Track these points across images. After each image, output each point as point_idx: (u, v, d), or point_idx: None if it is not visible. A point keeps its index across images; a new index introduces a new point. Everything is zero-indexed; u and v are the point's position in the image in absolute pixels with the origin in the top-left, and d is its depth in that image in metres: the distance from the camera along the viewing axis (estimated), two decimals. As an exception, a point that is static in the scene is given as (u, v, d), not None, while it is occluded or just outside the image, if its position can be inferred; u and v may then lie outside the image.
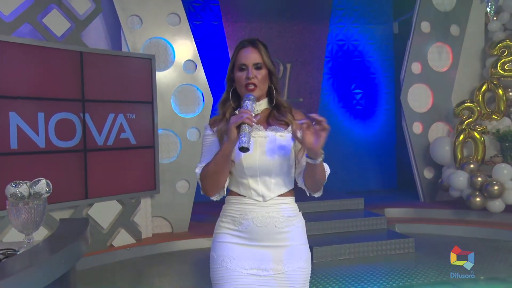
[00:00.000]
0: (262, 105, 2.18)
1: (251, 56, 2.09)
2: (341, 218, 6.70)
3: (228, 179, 2.10)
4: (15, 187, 2.52)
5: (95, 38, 6.60)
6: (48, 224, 4.99)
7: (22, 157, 5.27)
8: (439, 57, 8.28)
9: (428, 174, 8.29)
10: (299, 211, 2.18)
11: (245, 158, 2.03)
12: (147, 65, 6.49)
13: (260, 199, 2.08)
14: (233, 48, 8.75)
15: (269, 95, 2.19)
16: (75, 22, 6.15)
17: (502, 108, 7.72)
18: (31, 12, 5.76)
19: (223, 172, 2.03)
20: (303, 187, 2.21)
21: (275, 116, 2.15)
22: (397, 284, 4.97)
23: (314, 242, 5.91)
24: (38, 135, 5.40)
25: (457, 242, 6.45)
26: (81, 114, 5.78)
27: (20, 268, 2.00)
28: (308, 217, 6.00)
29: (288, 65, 9.02)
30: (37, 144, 5.39)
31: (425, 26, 8.20)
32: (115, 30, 6.77)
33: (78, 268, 2.97)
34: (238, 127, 1.88)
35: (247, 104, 1.97)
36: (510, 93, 7.84)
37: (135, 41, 6.69)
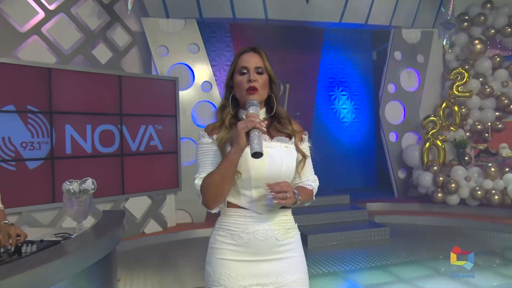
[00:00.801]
0: (261, 114, 1.76)
1: (252, 60, 1.76)
2: (331, 211, 6.73)
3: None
4: (69, 184, 2.66)
5: (131, 64, 6.71)
6: (94, 214, 5.09)
7: (74, 160, 5.40)
8: (409, 79, 8.39)
9: (401, 174, 8.34)
10: (295, 222, 1.85)
11: (254, 169, 1.65)
12: (172, 86, 6.54)
13: (263, 208, 1.71)
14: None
15: (268, 104, 1.82)
16: (116, 52, 6.33)
17: (458, 121, 7.88)
18: (84, 46, 5.99)
19: (229, 182, 1.64)
20: None
21: (276, 127, 1.80)
22: (375, 264, 5.04)
23: (308, 231, 6.00)
24: (86, 143, 5.52)
25: (423, 229, 6.62)
26: (119, 126, 5.86)
27: (75, 248, 2.13)
28: (304, 211, 6.09)
29: (287, 85, 8.89)
30: (85, 150, 5.51)
31: (398, 55, 8.32)
32: (146, 57, 6.88)
33: (120, 250, 3.01)
34: (248, 133, 1.57)
35: (253, 109, 1.62)
36: (463, 110, 8.01)
37: (163, 66, 6.78)
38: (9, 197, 2.77)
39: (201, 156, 1.74)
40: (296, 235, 1.82)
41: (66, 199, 2.64)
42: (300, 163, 1.81)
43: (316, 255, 5.41)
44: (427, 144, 7.66)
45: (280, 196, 1.58)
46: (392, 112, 8.34)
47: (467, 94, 7.96)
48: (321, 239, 5.93)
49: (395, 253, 5.44)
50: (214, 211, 1.73)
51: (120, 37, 6.41)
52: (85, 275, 2.12)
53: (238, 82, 1.76)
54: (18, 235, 2.18)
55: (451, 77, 8.04)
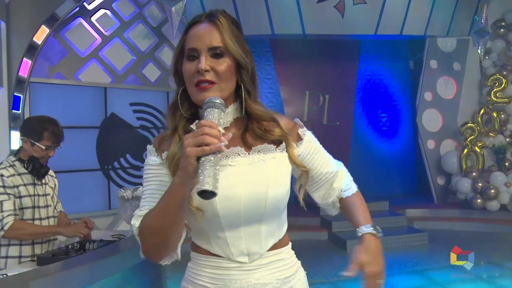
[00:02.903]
0: (228, 115, 1.18)
1: (205, 36, 1.11)
2: (371, 217, 6.69)
3: (185, 232, 1.12)
4: (123, 191, 2.98)
5: None
6: None
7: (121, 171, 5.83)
8: (445, 87, 8.28)
9: (440, 181, 8.21)
10: (298, 260, 1.26)
11: (221, 202, 1.06)
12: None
13: (246, 259, 1.14)
14: (284, 84, 8.98)
15: (240, 98, 1.18)
16: (164, 70, 6.66)
17: (497, 127, 7.72)
18: (135, 66, 6.40)
19: (177, 227, 1.05)
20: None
21: (255, 132, 1.17)
22: (413, 269, 5.04)
23: (348, 236, 6.01)
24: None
25: (463, 235, 6.49)
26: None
27: (127, 247, 2.40)
28: (344, 217, 6.24)
29: (327, 96, 9.01)
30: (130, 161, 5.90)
31: (433, 63, 8.24)
32: None
33: None
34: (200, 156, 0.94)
35: (211, 114, 1.00)
36: (502, 115, 7.84)
37: None
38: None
39: (145, 184, 1.15)
40: (298, 282, 1.23)
41: (120, 204, 2.94)
42: (301, 178, 1.24)
43: (355, 260, 5.47)
44: (465, 150, 7.55)
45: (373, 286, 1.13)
46: (430, 120, 8.24)
47: (506, 100, 7.79)
48: (360, 244, 5.95)
49: (433, 258, 5.41)
50: (165, 263, 1.14)
51: (167, 56, 6.75)
52: (137, 270, 2.40)
53: (185, 72, 1.13)
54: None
55: (489, 84, 7.90)
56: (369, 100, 9.68)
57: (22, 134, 2.54)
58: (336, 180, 1.35)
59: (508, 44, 8.03)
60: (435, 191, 8.21)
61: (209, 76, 1.09)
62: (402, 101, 9.80)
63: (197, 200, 1.02)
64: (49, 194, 2.65)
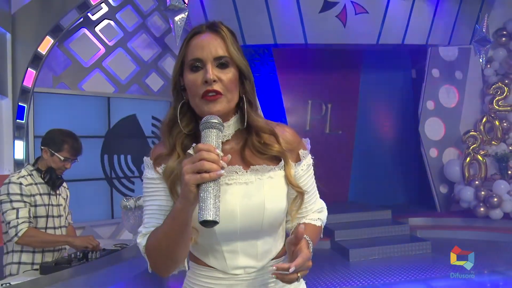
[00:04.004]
0: (230, 127, 1.15)
1: (209, 46, 1.09)
2: (373, 226, 6.71)
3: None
4: (126, 201, 3.03)
5: None
6: None
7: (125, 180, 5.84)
8: (447, 96, 8.30)
9: (443, 189, 8.20)
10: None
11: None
12: None
13: (241, 272, 1.15)
14: (286, 93, 9.02)
15: (241, 110, 1.15)
16: (167, 80, 6.66)
17: (499, 136, 7.73)
18: (138, 76, 6.45)
19: (181, 246, 1.05)
20: None
21: (254, 147, 1.15)
22: (416, 277, 5.00)
23: (350, 245, 6.03)
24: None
25: (466, 244, 6.38)
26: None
27: (131, 256, 2.44)
28: (346, 226, 6.11)
29: (329, 105, 9.04)
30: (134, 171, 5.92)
31: (435, 72, 8.27)
32: None
33: None
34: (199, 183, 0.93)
35: (209, 136, 0.97)
36: (505, 124, 7.85)
37: None
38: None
39: (147, 199, 1.15)
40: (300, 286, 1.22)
41: (123, 213, 2.97)
42: (295, 201, 1.19)
43: (357, 268, 5.46)
44: (468, 159, 7.55)
45: (288, 278, 1.02)
46: (432, 128, 8.26)
47: (508, 108, 7.84)
48: (362, 253, 5.94)
49: (436, 267, 5.38)
50: (174, 273, 1.15)
51: (170, 66, 6.75)
52: (140, 279, 2.42)
53: (189, 83, 1.10)
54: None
55: (491, 92, 7.95)
56: (372, 109, 9.70)
57: (43, 144, 2.64)
58: (311, 214, 1.28)
59: (510, 53, 8.07)
60: (438, 200, 8.20)
61: (217, 86, 1.07)
62: (405, 110, 9.80)
63: (193, 221, 1.00)
64: (61, 205, 2.74)
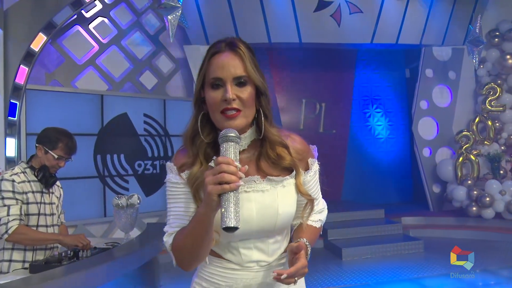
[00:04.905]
0: (247, 138, 1.26)
1: (229, 66, 1.18)
2: (366, 225, 6.72)
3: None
4: (118, 199, 3.00)
5: (175, 88, 6.99)
6: (140, 226, 5.23)
7: (118, 178, 5.79)
8: (441, 95, 8.33)
9: (436, 189, 8.23)
10: None
11: None
12: None
13: (255, 265, 1.28)
14: (280, 92, 9.00)
15: (257, 122, 1.27)
16: (161, 78, 6.70)
17: (492, 136, 7.77)
18: (132, 74, 6.41)
19: (205, 245, 1.17)
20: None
21: (269, 158, 1.26)
22: (408, 276, 5.01)
23: (344, 244, 6.04)
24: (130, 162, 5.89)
25: (458, 243, 6.36)
26: (165, 145, 6.20)
27: (122, 254, 2.41)
28: (339, 225, 6.08)
29: (323, 104, 9.03)
30: (127, 169, 5.87)
31: (429, 72, 8.30)
32: (189, 82, 7.10)
33: (162, 261, 3.21)
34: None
35: (227, 149, 1.07)
36: (497, 124, 7.91)
37: None
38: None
39: (171, 201, 1.26)
40: (300, 283, 1.32)
41: (115, 212, 2.95)
42: (306, 206, 1.34)
43: (350, 267, 5.47)
44: (461, 158, 7.56)
45: (286, 282, 1.17)
46: (425, 128, 8.29)
47: (501, 108, 7.87)
48: (355, 252, 5.95)
49: (428, 266, 5.40)
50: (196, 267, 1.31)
51: (164, 64, 6.80)
52: (131, 278, 2.40)
53: (210, 99, 1.20)
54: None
55: (484, 92, 7.97)
56: (365, 108, 9.71)
57: (37, 142, 2.63)
58: (313, 215, 1.42)
59: (503, 54, 8.09)
60: (430, 199, 8.24)
61: (235, 104, 1.17)
62: (398, 109, 9.83)
63: (215, 223, 1.12)
64: (54, 203, 2.72)
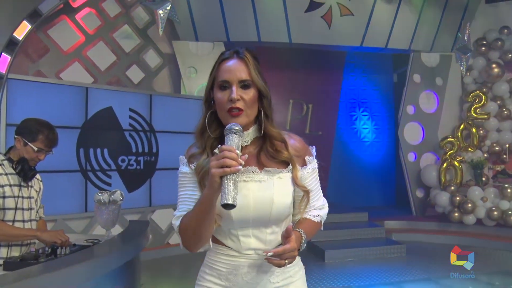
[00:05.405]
0: (249, 135, 1.42)
1: (235, 71, 1.36)
2: (349, 228, 6.73)
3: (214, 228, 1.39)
4: (100, 195, 2.90)
5: (162, 84, 6.91)
6: (122, 223, 5.18)
7: (101, 173, 5.65)
8: (428, 101, 8.39)
9: (419, 193, 8.28)
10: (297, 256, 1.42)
11: (235, 209, 1.22)
12: (199, 104, 6.61)
13: (252, 252, 1.41)
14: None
15: (259, 121, 1.43)
16: (148, 73, 6.58)
17: (476, 143, 7.88)
18: (119, 67, 6.29)
19: (208, 227, 1.32)
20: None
21: (268, 152, 1.41)
22: (390, 280, 5.04)
23: (326, 246, 6.03)
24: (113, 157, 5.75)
25: (440, 248, 6.51)
26: (151, 141, 6.08)
27: (103, 253, 2.32)
28: (323, 227, 6.19)
29: (310, 105, 9.02)
30: (110, 164, 5.73)
31: (417, 78, 8.35)
32: (176, 78, 7.06)
33: (143, 259, 3.12)
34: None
35: (231, 140, 1.24)
36: (481, 131, 8.01)
37: (191, 86, 6.94)
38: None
39: (181, 189, 1.43)
40: (297, 273, 1.51)
41: (96, 208, 2.85)
42: (303, 199, 1.45)
43: (332, 270, 5.46)
44: (445, 164, 7.63)
45: (276, 263, 1.30)
46: (411, 133, 8.33)
47: (485, 116, 7.94)
48: (338, 255, 5.95)
49: (410, 270, 5.42)
50: (201, 250, 1.43)
51: (152, 59, 6.69)
52: (111, 277, 2.30)
53: (218, 99, 1.37)
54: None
55: (469, 100, 8.04)
56: (352, 111, 9.76)
57: (17, 133, 2.50)
58: (313, 211, 1.53)
59: (489, 62, 8.18)
60: (414, 204, 8.28)
61: (239, 104, 1.34)
62: (385, 113, 9.89)
63: (217, 208, 1.27)
64: (33, 197, 2.60)
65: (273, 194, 1.38)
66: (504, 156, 7.97)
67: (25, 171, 2.48)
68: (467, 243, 6.68)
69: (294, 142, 1.48)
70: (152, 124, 6.14)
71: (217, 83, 1.39)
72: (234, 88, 1.34)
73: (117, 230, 3.27)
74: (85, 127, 5.49)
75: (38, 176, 2.67)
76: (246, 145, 1.42)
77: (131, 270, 2.65)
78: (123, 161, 5.83)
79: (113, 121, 5.77)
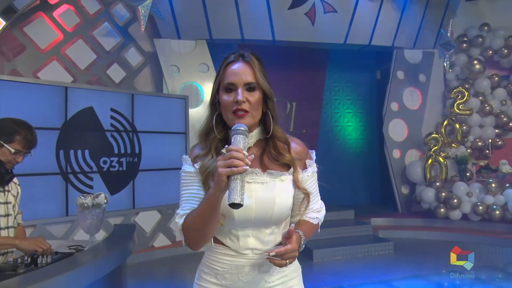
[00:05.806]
0: (254, 136, 1.44)
1: (241, 74, 1.38)
2: (336, 226, 6.69)
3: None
4: (83, 198, 2.74)
5: (143, 83, 6.78)
6: (105, 227, 5.00)
7: (82, 176, 5.47)
8: (411, 98, 8.41)
9: (404, 190, 8.30)
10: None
11: (237, 211, 1.27)
12: (182, 104, 6.58)
13: (250, 252, 1.43)
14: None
15: (263, 123, 1.46)
16: (129, 72, 6.44)
17: (459, 138, 7.93)
18: (99, 66, 6.13)
19: (212, 226, 1.33)
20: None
21: (271, 155, 1.44)
22: (379, 278, 5.02)
23: (314, 245, 5.98)
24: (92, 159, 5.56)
25: (427, 244, 6.55)
26: (133, 141, 5.92)
27: (88, 260, 2.17)
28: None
29: (294, 104, 8.97)
30: (91, 165, 5.54)
31: (400, 74, 8.37)
32: (158, 77, 6.94)
33: (128, 263, 3.03)
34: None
35: (238, 140, 1.24)
36: (464, 127, 8.09)
37: (174, 85, 6.84)
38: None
39: (184, 188, 1.44)
40: (293, 273, 1.52)
41: (79, 212, 2.69)
42: (303, 201, 1.47)
43: (321, 269, 5.41)
44: (430, 160, 7.66)
45: (277, 263, 1.31)
46: (395, 130, 8.34)
47: (468, 112, 7.99)
48: (326, 254, 5.90)
49: (398, 267, 5.41)
50: (202, 250, 1.45)
51: (133, 57, 6.53)
52: (97, 286, 2.16)
53: (224, 102, 1.39)
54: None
55: (452, 96, 8.09)
56: (336, 108, 9.71)
57: None
58: (311, 213, 1.55)
59: (470, 59, 8.23)
60: (399, 200, 8.29)
61: (244, 106, 1.35)
62: (368, 110, 9.87)
63: (222, 206, 1.29)
64: (10, 203, 2.44)
65: (275, 195, 1.40)
66: (487, 151, 8.05)
67: (1, 174, 2.32)
68: (453, 239, 6.71)
69: (295, 145, 1.51)
70: (134, 124, 5.97)
71: (222, 85, 1.41)
72: (239, 90, 1.36)
73: (101, 235, 3.11)
74: (65, 128, 5.29)
75: (15, 180, 2.51)
76: (250, 147, 1.43)
77: (118, 277, 2.51)
78: (105, 162, 5.65)
79: (94, 122, 5.58)
